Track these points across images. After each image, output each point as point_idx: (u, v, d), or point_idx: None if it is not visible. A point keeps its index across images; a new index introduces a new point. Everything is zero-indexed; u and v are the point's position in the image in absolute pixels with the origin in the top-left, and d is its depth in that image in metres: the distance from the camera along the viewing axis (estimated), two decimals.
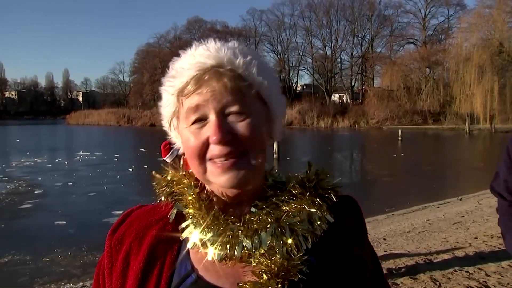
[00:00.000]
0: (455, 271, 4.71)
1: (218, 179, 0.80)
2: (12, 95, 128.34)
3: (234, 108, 0.80)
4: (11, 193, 12.69)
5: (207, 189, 0.89)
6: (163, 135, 0.96)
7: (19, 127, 69.18)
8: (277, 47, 76.46)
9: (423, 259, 5.29)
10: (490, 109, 37.50)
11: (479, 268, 4.78)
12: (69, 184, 14.34)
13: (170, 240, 0.88)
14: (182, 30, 78.77)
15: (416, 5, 66.39)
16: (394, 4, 68.03)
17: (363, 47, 71.17)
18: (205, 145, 0.80)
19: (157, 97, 0.93)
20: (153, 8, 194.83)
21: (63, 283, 5.79)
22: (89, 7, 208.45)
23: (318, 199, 0.86)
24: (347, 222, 0.91)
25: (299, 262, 0.79)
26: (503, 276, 4.50)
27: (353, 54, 71.49)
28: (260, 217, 0.82)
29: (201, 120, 0.81)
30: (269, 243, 0.80)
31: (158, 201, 0.93)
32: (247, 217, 0.83)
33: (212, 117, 0.80)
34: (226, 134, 0.78)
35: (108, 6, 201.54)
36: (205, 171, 0.82)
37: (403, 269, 4.86)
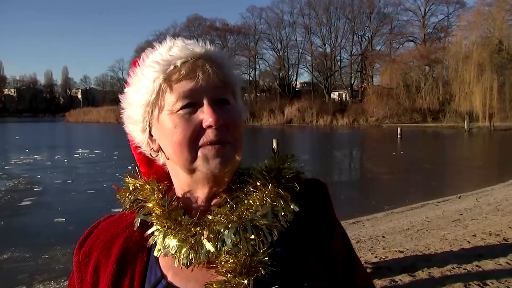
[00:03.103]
0: (453, 268, 4.72)
1: (209, 164, 0.80)
2: (11, 92, 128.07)
3: (223, 95, 0.83)
4: (10, 191, 12.68)
5: (171, 192, 0.89)
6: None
7: (18, 125, 69.11)
8: (277, 45, 76.27)
9: (422, 257, 5.31)
10: (489, 107, 37.46)
11: (477, 266, 4.80)
12: (68, 181, 14.34)
13: (139, 246, 0.87)
14: (181, 27, 78.39)
15: (415, 3, 66.29)
16: (393, 2, 67.81)
17: (362, 45, 71.10)
18: (198, 130, 0.80)
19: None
20: (152, 5, 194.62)
21: (62, 280, 5.79)
22: (88, 4, 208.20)
23: (281, 189, 0.85)
24: (315, 208, 0.90)
25: (262, 257, 0.79)
26: (501, 274, 4.51)
27: (352, 52, 71.34)
28: (222, 216, 0.82)
29: (191, 105, 0.81)
30: (233, 241, 0.79)
31: (124, 209, 0.93)
32: (209, 218, 0.82)
33: (206, 101, 0.81)
34: (222, 118, 0.80)
35: (107, 3, 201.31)
36: (194, 159, 0.81)
37: (401, 267, 4.87)
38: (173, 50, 0.84)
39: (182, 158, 0.82)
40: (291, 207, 0.84)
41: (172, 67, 0.82)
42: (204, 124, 0.79)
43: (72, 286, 0.93)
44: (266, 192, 0.84)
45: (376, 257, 5.42)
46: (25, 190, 12.84)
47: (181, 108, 0.81)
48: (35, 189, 12.89)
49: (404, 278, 4.48)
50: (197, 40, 0.89)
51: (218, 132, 0.80)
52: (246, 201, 0.84)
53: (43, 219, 9.52)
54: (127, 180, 0.95)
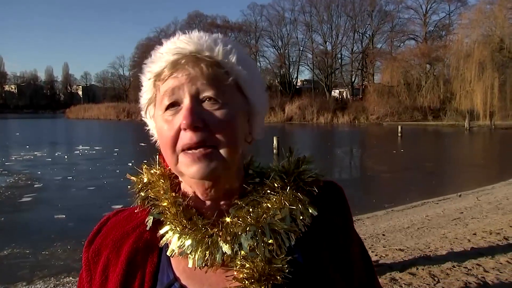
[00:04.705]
0: (453, 267, 4.72)
1: (189, 170, 0.77)
2: (11, 88, 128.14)
3: (209, 93, 0.78)
4: (10, 187, 12.68)
5: (183, 191, 0.86)
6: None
7: (18, 121, 69.08)
8: (278, 42, 76.35)
9: (422, 255, 5.30)
10: (490, 105, 37.42)
11: (477, 264, 4.79)
12: (68, 178, 14.34)
13: (150, 247, 0.85)
14: (182, 24, 78.38)
15: (417, 0, 66.23)
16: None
17: (363, 43, 71.04)
18: (178, 134, 0.77)
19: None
20: (153, 2, 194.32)
21: (62, 277, 5.81)
22: (89, 1, 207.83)
23: (299, 193, 0.83)
24: (332, 211, 0.88)
25: (281, 265, 0.77)
26: (501, 272, 4.51)
27: (353, 50, 71.35)
28: (240, 219, 0.79)
29: (175, 105, 0.78)
30: (250, 244, 0.77)
31: (135, 204, 0.90)
32: (226, 220, 0.80)
33: (186, 101, 0.77)
34: (197, 119, 0.75)
35: (108, 0, 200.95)
36: (176, 161, 0.79)
37: (401, 265, 4.87)
38: (163, 48, 0.82)
39: (168, 160, 0.81)
40: (310, 211, 0.82)
41: (161, 66, 0.81)
42: (181, 125, 0.76)
43: (81, 284, 0.91)
44: (285, 195, 0.82)
45: (376, 255, 5.42)
46: (25, 186, 12.84)
47: (166, 109, 0.79)
48: (35, 186, 12.89)
49: (404, 276, 4.47)
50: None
51: (194, 135, 0.75)
52: (264, 204, 0.81)
53: (44, 216, 9.52)
54: (143, 170, 0.92)
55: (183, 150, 0.77)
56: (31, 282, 5.73)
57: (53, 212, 9.46)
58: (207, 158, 0.76)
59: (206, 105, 0.78)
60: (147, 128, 0.91)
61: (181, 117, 0.77)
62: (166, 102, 0.79)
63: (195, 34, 0.82)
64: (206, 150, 0.76)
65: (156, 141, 0.89)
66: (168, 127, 0.78)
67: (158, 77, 0.81)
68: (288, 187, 0.83)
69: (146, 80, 0.84)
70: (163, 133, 0.80)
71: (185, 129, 0.76)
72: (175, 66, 0.79)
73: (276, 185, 0.83)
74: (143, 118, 0.90)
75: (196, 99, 0.78)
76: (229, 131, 0.78)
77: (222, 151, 0.77)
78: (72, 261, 6.39)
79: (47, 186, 12.92)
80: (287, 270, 0.77)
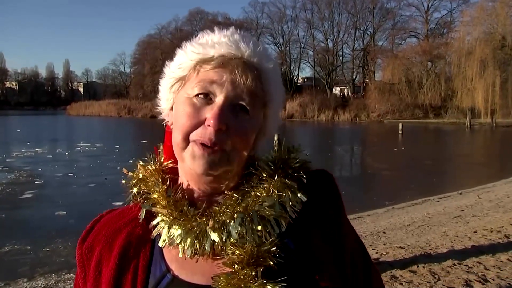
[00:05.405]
0: (454, 264, 4.72)
1: (193, 162, 0.78)
2: (12, 85, 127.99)
3: (244, 103, 0.79)
4: (11, 183, 12.68)
5: (179, 182, 0.87)
6: (164, 126, 0.94)
7: (19, 118, 69.11)
8: (279, 40, 76.23)
9: (423, 253, 5.30)
10: (492, 103, 37.41)
11: (478, 262, 4.79)
12: (69, 174, 14.35)
13: (142, 241, 0.86)
14: (183, 21, 78.46)
15: None
16: None
17: (364, 40, 70.97)
18: (199, 123, 0.78)
19: (157, 89, 0.92)
20: None
21: (63, 273, 5.81)
22: None
23: (287, 180, 0.83)
24: (323, 198, 0.88)
25: (270, 247, 0.77)
26: (502, 270, 4.51)
27: (354, 47, 71.22)
28: (228, 208, 0.80)
29: (205, 96, 0.79)
30: (239, 232, 0.78)
31: (128, 203, 0.91)
32: (215, 209, 0.81)
33: (220, 100, 0.78)
34: (223, 123, 0.76)
35: None
36: (185, 147, 0.79)
37: (402, 263, 4.87)
38: (221, 38, 0.83)
39: (175, 142, 0.82)
40: (299, 196, 0.82)
41: (209, 54, 0.81)
42: (206, 122, 0.77)
43: (76, 281, 0.92)
44: (273, 183, 0.82)
45: (377, 252, 5.42)
46: (26, 183, 12.85)
47: (196, 95, 0.80)
48: (36, 182, 12.89)
49: (405, 274, 4.48)
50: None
51: (214, 135, 0.76)
52: (253, 193, 0.82)
53: (44, 212, 9.54)
54: (138, 166, 0.92)
55: (195, 141, 0.78)
56: (32, 278, 5.74)
57: (54, 209, 9.48)
58: (215, 159, 0.77)
59: (236, 111, 0.79)
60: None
61: (209, 112, 0.78)
62: (200, 90, 0.79)
63: (252, 39, 0.84)
64: (216, 152, 0.77)
65: (161, 113, 0.91)
66: (193, 114, 0.79)
67: (202, 62, 0.82)
68: (276, 175, 0.83)
69: (187, 58, 0.84)
70: (184, 115, 0.80)
71: (208, 126, 0.77)
72: (224, 63, 0.80)
73: (264, 174, 0.84)
74: (159, 87, 0.90)
75: (229, 102, 0.79)
76: (244, 144, 0.80)
77: (229, 158, 0.79)
78: (72, 258, 6.35)
79: (48, 183, 12.92)
80: (277, 253, 0.77)
